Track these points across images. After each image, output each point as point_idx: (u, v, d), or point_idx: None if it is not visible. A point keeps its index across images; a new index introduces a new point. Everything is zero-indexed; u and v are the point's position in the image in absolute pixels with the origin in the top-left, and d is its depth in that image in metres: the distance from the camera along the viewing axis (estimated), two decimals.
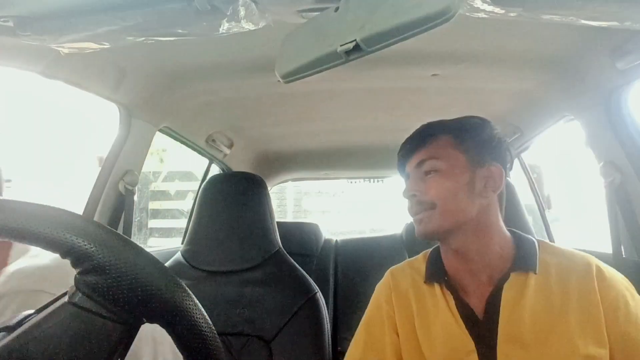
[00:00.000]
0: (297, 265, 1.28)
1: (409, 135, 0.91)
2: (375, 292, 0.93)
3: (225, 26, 0.64)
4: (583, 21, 0.61)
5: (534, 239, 0.84)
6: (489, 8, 0.59)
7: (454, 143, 0.83)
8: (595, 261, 0.79)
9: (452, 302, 0.80)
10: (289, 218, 5.72)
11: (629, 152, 1.11)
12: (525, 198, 1.41)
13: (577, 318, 0.72)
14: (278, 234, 1.33)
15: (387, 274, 0.94)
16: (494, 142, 0.84)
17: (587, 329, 0.71)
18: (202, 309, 0.46)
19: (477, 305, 0.79)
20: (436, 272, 0.86)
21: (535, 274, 0.77)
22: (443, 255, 0.87)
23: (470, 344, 0.76)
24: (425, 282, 0.86)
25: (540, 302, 0.75)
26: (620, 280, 0.77)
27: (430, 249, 0.94)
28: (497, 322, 0.75)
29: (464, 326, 0.77)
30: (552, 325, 0.73)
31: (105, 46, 0.72)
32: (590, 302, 0.73)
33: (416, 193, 0.82)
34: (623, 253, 1.19)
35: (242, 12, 0.62)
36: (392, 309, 0.86)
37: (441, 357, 0.78)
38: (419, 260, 0.93)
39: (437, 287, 0.84)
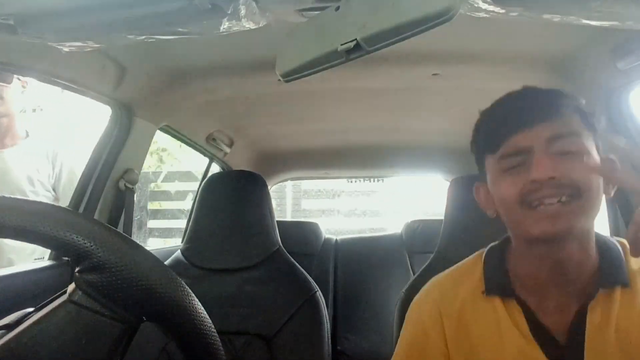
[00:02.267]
0: (297, 264, 1.28)
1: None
2: (416, 309, 0.76)
3: (225, 25, 0.64)
4: (583, 21, 0.61)
5: (615, 241, 0.67)
6: (490, 8, 0.59)
7: (582, 122, 0.63)
8: None
9: (523, 321, 0.65)
10: (288, 218, 5.71)
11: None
12: None
13: None
14: (278, 232, 1.33)
15: (431, 285, 0.76)
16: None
17: None
18: (202, 308, 0.46)
19: (557, 326, 0.64)
20: (500, 283, 0.69)
21: (625, 287, 0.62)
22: (521, 261, 0.68)
23: None
24: (485, 293, 0.69)
25: (628, 323, 0.61)
26: None
27: (485, 250, 0.75)
28: (583, 347, 0.61)
29: (539, 350, 0.63)
30: (636, 352, 0.60)
31: (105, 45, 0.72)
32: None
33: (556, 175, 0.58)
34: None
35: (242, 11, 0.62)
36: (443, 339, 0.70)
37: None
38: (471, 265, 0.74)
39: (498, 301, 0.68)
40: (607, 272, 0.64)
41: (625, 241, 0.66)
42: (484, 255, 0.74)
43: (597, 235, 0.66)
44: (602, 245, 0.66)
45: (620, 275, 0.63)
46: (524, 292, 0.67)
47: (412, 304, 0.78)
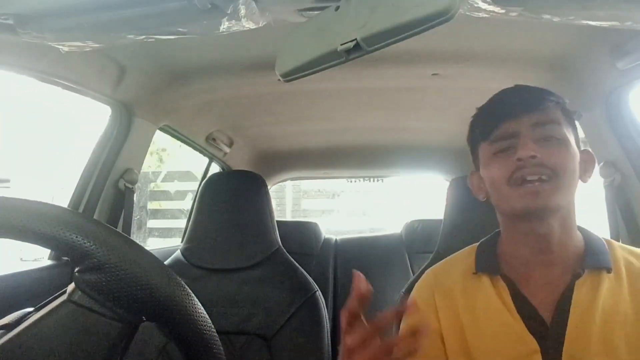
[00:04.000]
0: (296, 264, 1.28)
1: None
2: (413, 294, 0.82)
3: (225, 25, 0.64)
4: (583, 21, 0.61)
5: (600, 237, 0.75)
6: (490, 7, 0.59)
7: (562, 116, 0.72)
8: None
9: (508, 298, 0.71)
10: (288, 218, 5.72)
11: (628, 152, 1.11)
12: None
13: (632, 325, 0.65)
14: (278, 232, 1.33)
15: (427, 273, 0.83)
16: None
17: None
18: (202, 307, 0.46)
19: (542, 302, 0.69)
20: (489, 262, 0.76)
21: (609, 273, 0.69)
22: (508, 242, 0.76)
23: (534, 344, 0.66)
24: (474, 273, 0.76)
25: (612, 305, 0.66)
26: None
27: (477, 243, 0.83)
28: (566, 323, 0.66)
29: (523, 324, 0.68)
30: (622, 332, 0.65)
31: (105, 44, 0.72)
32: None
33: (537, 155, 0.66)
34: None
35: (242, 11, 0.62)
36: (435, 313, 0.75)
37: (499, 354, 0.68)
38: (465, 254, 0.82)
39: (486, 279, 0.74)
40: (593, 256, 0.71)
41: (610, 240, 0.75)
42: (477, 245, 0.82)
43: (582, 229, 0.75)
44: (587, 236, 0.74)
45: (605, 261, 0.70)
46: (511, 271, 0.73)
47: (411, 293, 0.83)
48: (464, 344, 0.72)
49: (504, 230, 0.78)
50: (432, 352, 0.73)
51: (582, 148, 0.74)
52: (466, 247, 0.84)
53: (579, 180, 0.72)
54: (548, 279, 0.71)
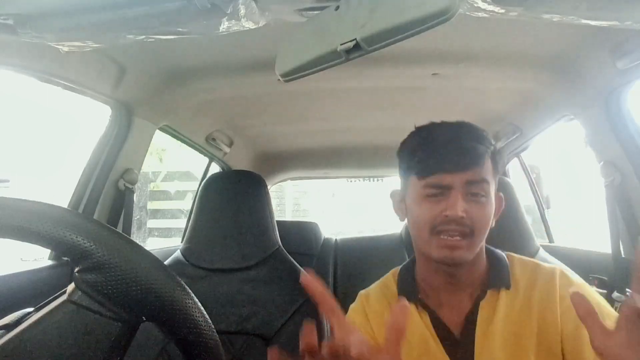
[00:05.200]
0: (296, 264, 1.28)
1: (409, 134, 0.89)
2: (347, 315, 0.85)
3: (225, 25, 0.64)
4: (583, 20, 0.61)
5: (503, 254, 0.84)
6: (489, 7, 0.59)
7: (492, 168, 0.79)
8: (560, 270, 0.78)
9: (427, 319, 0.79)
10: (288, 218, 5.72)
11: (628, 151, 1.11)
12: (525, 198, 1.41)
13: (537, 332, 0.73)
14: (278, 232, 1.33)
15: (360, 296, 0.89)
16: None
17: (544, 342, 0.72)
18: (202, 308, 0.46)
19: (454, 322, 0.78)
20: (408, 290, 0.83)
21: (507, 290, 0.77)
22: (422, 270, 0.84)
23: None
24: (399, 296, 0.82)
25: (509, 319, 0.75)
26: (584, 284, 0.77)
27: (399, 267, 0.91)
28: (473, 341, 0.75)
29: (441, 345, 0.76)
30: (517, 342, 0.73)
31: (105, 44, 0.72)
32: (549, 313, 0.73)
33: (464, 215, 0.73)
34: (622, 253, 1.19)
35: (242, 11, 0.62)
36: (370, 326, 0.83)
37: None
38: (389, 279, 0.90)
39: (411, 304, 0.80)
40: (495, 277, 0.79)
41: (513, 254, 0.84)
42: (397, 272, 0.90)
43: (489, 249, 0.83)
44: (492, 256, 0.82)
45: (504, 280, 0.78)
46: (427, 297, 0.82)
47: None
48: None
49: (418, 261, 0.86)
50: None
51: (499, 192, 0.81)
52: (388, 273, 0.91)
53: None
54: (457, 302, 0.79)
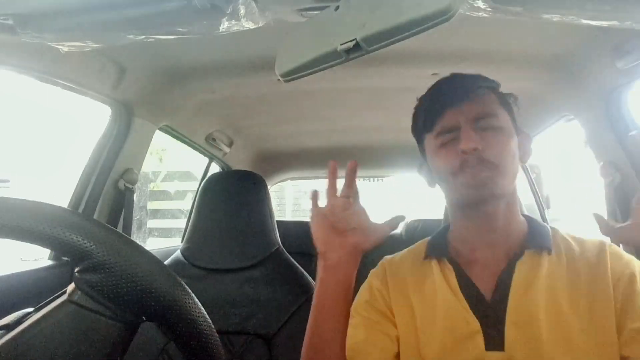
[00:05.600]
0: (296, 263, 1.28)
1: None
2: (367, 279, 0.85)
3: (225, 25, 0.64)
4: (583, 21, 0.61)
5: (545, 224, 0.79)
6: (489, 7, 0.59)
7: (498, 101, 0.77)
8: (608, 242, 0.74)
9: (454, 279, 0.74)
10: (288, 218, 5.71)
11: (628, 151, 1.11)
12: (524, 198, 1.41)
13: (587, 305, 0.67)
14: (278, 232, 1.33)
15: (382, 262, 0.87)
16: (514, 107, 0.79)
17: (595, 316, 0.66)
18: (202, 308, 0.46)
19: (485, 282, 0.72)
20: (437, 248, 0.80)
21: (550, 254, 0.72)
22: (456, 227, 0.81)
23: (475, 324, 0.69)
24: (424, 258, 0.80)
25: (553, 284, 0.69)
26: (633, 259, 0.71)
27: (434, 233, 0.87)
28: (507, 302, 0.69)
29: (466, 304, 0.71)
30: (563, 310, 0.67)
31: (105, 44, 0.72)
32: (601, 286, 0.68)
33: (479, 147, 0.70)
34: None
35: (242, 11, 0.62)
36: (387, 290, 0.80)
37: (442, 338, 0.71)
38: (418, 245, 0.86)
39: (435, 263, 0.78)
40: (535, 238, 0.74)
41: (556, 227, 0.79)
42: (430, 237, 0.86)
43: (527, 216, 0.80)
44: (531, 220, 0.78)
45: (546, 242, 0.73)
46: (458, 255, 0.77)
47: None
48: (413, 324, 0.75)
49: (452, 217, 0.82)
50: (384, 319, 0.77)
51: (519, 129, 0.78)
52: (421, 240, 0.88)
53: (523, 163, 0.78)
54: (491, 260, 0.74)
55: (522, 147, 0.77)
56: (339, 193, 0.81)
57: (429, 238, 0.86)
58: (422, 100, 0.83)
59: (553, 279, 0.70)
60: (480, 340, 0.68)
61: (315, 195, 0.82)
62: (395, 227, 0.80)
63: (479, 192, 0.71)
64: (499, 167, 0.70)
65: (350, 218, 0.78)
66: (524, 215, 0.79)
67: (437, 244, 0.82)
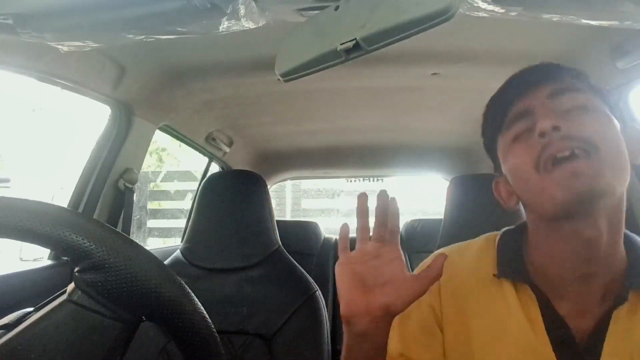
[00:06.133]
0: (296, 263, 1.28)
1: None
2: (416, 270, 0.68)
3: (225, 24, 0.64)
4: (583, 20, 0.61)
5: None
6: (489, 7, 0.59)
7: (586, 87, 0.61)
8: None
9: (537, 312, 0.59)
10: (288, 218, 5.71)
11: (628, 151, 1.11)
12: None
13: None
14: (278, 232, 1.33)
15: (438, 256, 0.63)
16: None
17: None
18: (201, 307, 0.46)
19: (578, 323, 0.57)
20: (513, 266, 0.62)
21: None
22: (541, 247, 0.61)
23: None
24: (497, 275, 0.62)
25: None
26: None
27: (499, 233, 0.69)
28: (601, 351, 0.55)
29: (549, 345, 0.57)
30: None
31: (105, 44, 0.72)
32: None
33: (560, 125, 0.53)
34: None
35: (242, 11, 0.62)
36: (438, 298, 0.66)
37: None
38: (483, 247, 0.68)
39: (509, 285, 0.61)
40: (638, 272, 0.56)
41: None
42: (497, 238, 0.68)
43: (627, 235, 0.60)
44: (630, 242, 0.59)
45: None
46: (542, 282, 0.60)
47: None
48: (468, 349, 0.62)
49: (536, 231, 0.62)
50: (426, 324, 0.66)
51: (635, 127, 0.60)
52: (482, 237, 0.71)
53: (629, 163, 0.56)
54: (586, 296, 0.57)
55: (633, 141, 0.58)
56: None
57: (496, 241, 0.68)
58: (491, 99, 0.68)
59: None
60: None
61: (345, 233, 0.62)
62: (438, 275, 0.57)
63: (575, 186, 0.51)
64: (595, 148, 0.52)
65: (382, 269, 0.57)
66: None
67: (512, 260, 0.63)
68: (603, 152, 0.52)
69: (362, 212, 0.60)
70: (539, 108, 0.58)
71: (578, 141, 0.53)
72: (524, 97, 0.60)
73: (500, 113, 0.63)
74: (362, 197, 0.60)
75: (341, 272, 0.59)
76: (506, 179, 0.64)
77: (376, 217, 0.59)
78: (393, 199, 0.59)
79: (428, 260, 0.68)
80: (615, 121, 0.57)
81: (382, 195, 0.59)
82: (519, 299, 0.60)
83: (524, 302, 0.60)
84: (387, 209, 0.59)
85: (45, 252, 1.23)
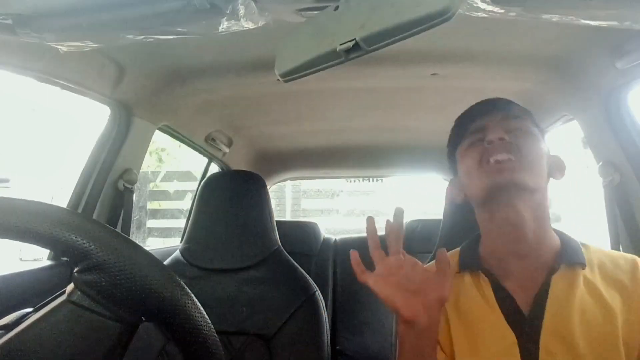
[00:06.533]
0: (296, 264, 1.28)
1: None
2: None
3: (224, 25, 0.64)
4: (583, 21, 0.61)
5: (575, 238, 0.79)
6: (489, 7, 0.59)
7: (530, 121, 0.78)
8: None
9: (489, 291, 0.74)
10: (288, 218, 5.71)
11: (628, 151, 1.11)
12: None
13: (622, 320, 0.68)
14: (277, 232, 1.33)
15: (439, 252, 0.82)
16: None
17: (632, 331, 0.67)
18: (201, 308, 0.46)
19: (522, 295, 0.73)
20: (470, 260, 0.80)
21: (583, 269, 0.72)
22: (486, 237, 0.80)
23: (512, 336, 0.70)
24: (458, 272, 0.79)
25: (589, 299, 0.70)
26: None
27: (463, 243, 0.87)
28: (543, 316, 0.69)
29: (502, 317, 0.72)
30: (599, 325, 0.68)
31: (104, 44, 0.72)
32: (636, 302, 0.69)
33: (505, 137, 0.72)
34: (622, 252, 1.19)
35: (241, 11, 0.62)
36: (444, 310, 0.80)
37: (477, 352, 0.72)
38: (452, 254, 0.83)
39: (468, 277, 0.78)
40: (568, 252, 0.74)
41: (586, 243, 0.78)
42: (461, 246, 0.86)
43: (559, 231, 0.79)
44: (563, 236, 0.78)
45: (580, 257, 0.73)
46: (491, 267, 0.77)
47: None
48: (448, 337, 0.76)
49: (481, 226, 0.81)
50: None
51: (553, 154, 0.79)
52: (452, 250, 0.86)
53: (551, 178, 0.77)
54: (526, 273, 0.74)
55: (554, 164, 0.78)
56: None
57: (459, 249, 0.85)
58: (457, 120, 0.86)
59: (589, 293, 0.70)
60: (516, 354, 0.69)
61: (378, 251, 0.75)
62: (449, 265, 0.72)
63: (499, 177, 0.70)
64: (524, 156, 0.71)
65: (411, 274, 0.71)
66: (554, 230, 0.79)
67: (469, 255, 0.81)
68: (527, 161, 0.71)
69: (372, 233, 0.76)
70: (491, 126, 0.76)
71: (514, 147, 0.72)
72: (482, 118, 0.79)
73: (462, 128, 0.82)
74: (371, 222, 0.76)
75: (382, 287, 0.69)
76: (459, 179, 0.83)
77: (387, 236, 0.74)
78: (400, 225, 0.74)
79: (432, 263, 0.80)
80: (544, 144, 0.77)
81: (393, 226, 0.74)
82: (475, 284, 0.77)
83: (479, 286, 0.76)
84: (399, 235, 0.73)
85: (45, 252, 1.23)
